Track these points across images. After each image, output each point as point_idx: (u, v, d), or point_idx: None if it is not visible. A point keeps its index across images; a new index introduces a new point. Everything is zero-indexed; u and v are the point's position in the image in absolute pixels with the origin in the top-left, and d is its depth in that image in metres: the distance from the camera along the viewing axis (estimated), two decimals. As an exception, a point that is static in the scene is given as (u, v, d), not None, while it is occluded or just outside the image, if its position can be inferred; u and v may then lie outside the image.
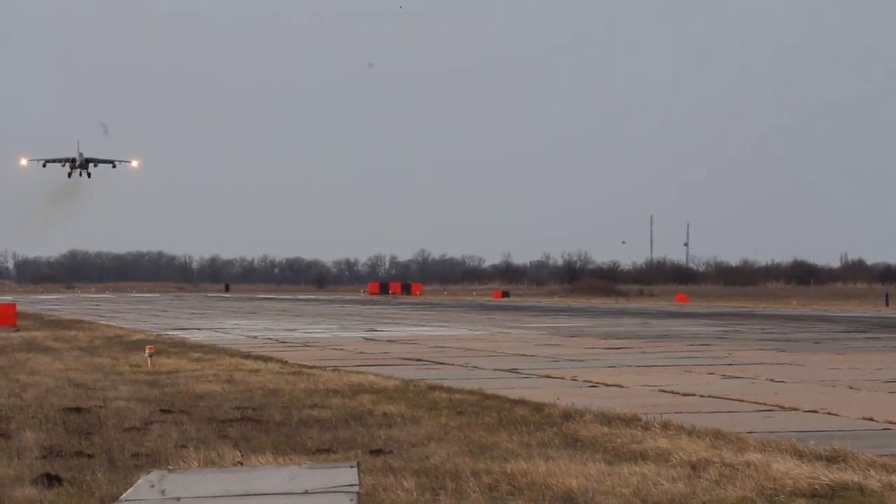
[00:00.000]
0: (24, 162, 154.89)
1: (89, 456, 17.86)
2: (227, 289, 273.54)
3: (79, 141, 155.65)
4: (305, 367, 35.54)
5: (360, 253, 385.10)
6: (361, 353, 45.21)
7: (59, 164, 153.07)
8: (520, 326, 72.86)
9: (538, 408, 23.50)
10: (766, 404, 25.75)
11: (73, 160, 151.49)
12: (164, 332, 62.22)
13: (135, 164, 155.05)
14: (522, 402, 24.59)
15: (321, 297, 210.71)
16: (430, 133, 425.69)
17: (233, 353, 42.02)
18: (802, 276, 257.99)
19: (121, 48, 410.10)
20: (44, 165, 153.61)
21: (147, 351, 37.64)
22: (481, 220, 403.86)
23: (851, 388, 30.24)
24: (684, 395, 28.09)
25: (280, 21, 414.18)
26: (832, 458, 16.87)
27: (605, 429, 20.29)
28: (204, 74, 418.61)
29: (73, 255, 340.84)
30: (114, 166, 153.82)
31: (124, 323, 77.65)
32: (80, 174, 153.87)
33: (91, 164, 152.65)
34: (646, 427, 20.32)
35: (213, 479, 10.01)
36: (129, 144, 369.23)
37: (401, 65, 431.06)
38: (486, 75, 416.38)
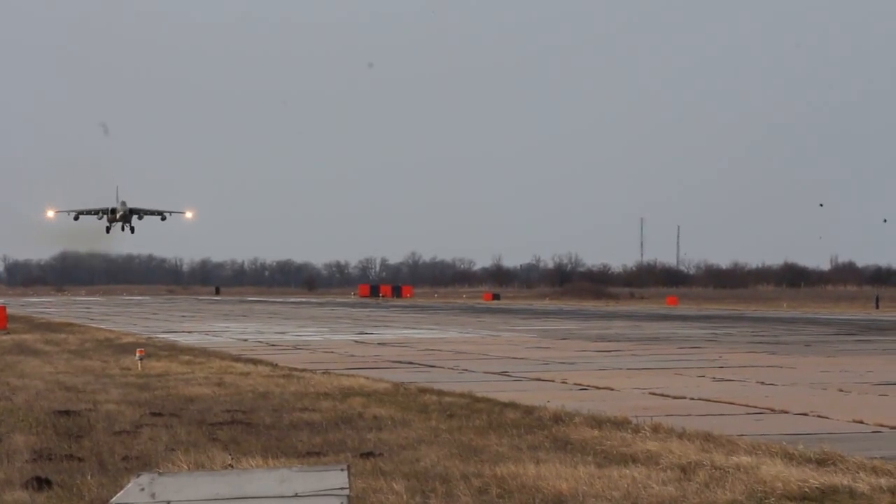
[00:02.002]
0: (51, 214, 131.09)
1: (79, 459, 17.85)
2: (217, 291, 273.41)
3: (118, 188, 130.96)
4: (296, 370, 35.54)
5: (351, 255, 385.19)
6: (352, 355, 45.20)
7: (94, 217, 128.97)
8: (510, 329, 72.88)
9: (528, 411, 23.51)
10: (756, 407, 25.78)
11: (113, 211, 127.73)
12: (154, 335, 62.18)
13: (189, 214, 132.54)
14: (513, 405, 24.60)
15: (312, 299, 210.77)
16: (421, 136, 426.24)
17: (223, 356, 42.01)
18: (793, 278, 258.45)
19: (115, 49, 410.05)
20: (76, 218, 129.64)
21: (137, 354, 37.62)
22: (472, 223, 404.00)
23: (842, 390, 30.29)
24: (675, 397, 28.12)
25: (277, 21, 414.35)
26: (822, 461, 16.90)
27: (596, 432, 20.30)
28: (197, 75, 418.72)
29: (63, 258, 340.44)
30: (163, 218, 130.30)
31: (115, 326, 77.60)
32: (123, 228, 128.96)
33: (135, 216, 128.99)
34: (636, 430, 20.34)
35: (204, 482, 10.01)
36: (123, 145, 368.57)
37: (394, 67, 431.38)
38: (477, 78, 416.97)
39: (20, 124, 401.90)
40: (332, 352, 47.87)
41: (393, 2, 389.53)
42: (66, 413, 23.88)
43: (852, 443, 19.65)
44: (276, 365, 37.66)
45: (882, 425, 22.40)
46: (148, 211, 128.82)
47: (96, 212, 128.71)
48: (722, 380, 33.52)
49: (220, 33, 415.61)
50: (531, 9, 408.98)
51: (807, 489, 14.94)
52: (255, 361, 39.20)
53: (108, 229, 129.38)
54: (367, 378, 32.06)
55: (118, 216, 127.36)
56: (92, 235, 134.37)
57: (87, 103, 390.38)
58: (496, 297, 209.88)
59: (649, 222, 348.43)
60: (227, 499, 9.57)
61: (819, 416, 24.02)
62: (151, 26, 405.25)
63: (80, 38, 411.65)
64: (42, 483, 15.61)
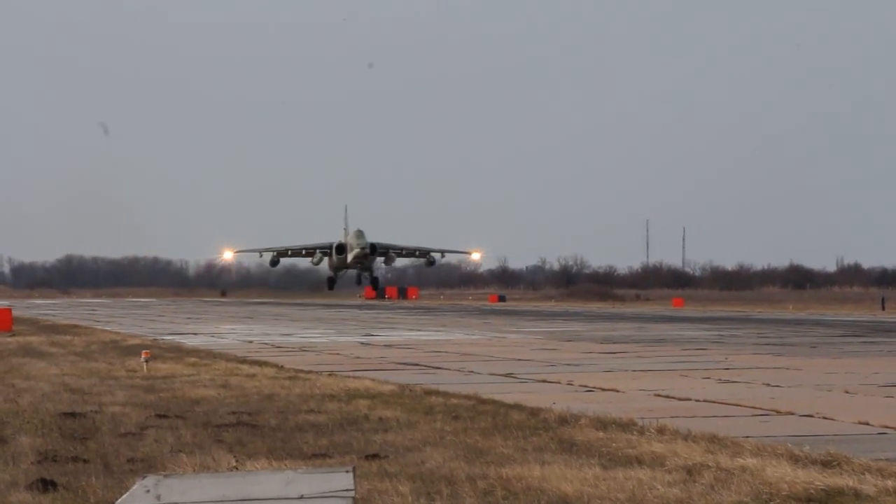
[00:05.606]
0: (228, 255, 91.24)
1: (85, 461, 17.87)
2: (223, 294, 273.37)
3: (347, 206, 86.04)
4: (301, 371, 35.54)
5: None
6: (357, 357, 45.20)
7: (305, 258, 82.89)
8: (516, 331, 72.84)
9: (534, 412, 23.50)
10: (761, 409, 25.77)
11: (341, 249, 79.60)
12: (159, 337, 62.18)
13: (476, 256, 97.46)
14: (518, 407, 24.60)
15: (317, 301, 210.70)
16: (426, 137, 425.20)
17: (228, 358, 42.01)
18: (798, 280, 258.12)
19: (117, 52, 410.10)
20: (274, 263, 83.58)
21: (143, 356, 37.61)
22: (477, 225, 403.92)
23: (847, 392, 30.25)
24: (680, 399, 28.10)
25: (277, 21, 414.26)
26: (827, 463, 16.89)
27: (601, 433, 20.30)
28: (199, 76, 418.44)
29: (68, 260, 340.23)
30: (430, 263, 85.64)
31: (120, 328, 77.58)
32: (359, 280, 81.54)
33: (381, 257, 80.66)
34: (641, 431, 20.34)
35: (209, 485, 10.02)
36: (126, 146, 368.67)
37: (397, 68, 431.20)
38: (481, 80, 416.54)
39: (20, 126, 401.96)
40: (337, 353, 47.85)
41: (397, 2, 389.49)
42: (72, 415, 23.90)
43: (858, 444, 19.63)
44: (282, 367, 37.66)
45: (888, 427, 22.37)
46: (402, 249, 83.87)
47: (309, 251, 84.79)
48: (727, 381, 33.50)
49: (217, 35, 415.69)
50: (537, 10, 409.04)
51: (812, 491, 14.94)
52: (260, 363, 39.20)
53: (331, 282, 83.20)
54: (373, 380, 32.05)
55: (350, 258, 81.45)
56: (306, 287, 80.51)
57: (86, 105, 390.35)
58: (502, 298, 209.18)
59: (655, 224, 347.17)
60: (233, 500, 9.58)
61: (825, 418, 24.00)
62: (145, 28, 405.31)
63: (76, 41, 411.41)
64: (47, 485, 15.63)
